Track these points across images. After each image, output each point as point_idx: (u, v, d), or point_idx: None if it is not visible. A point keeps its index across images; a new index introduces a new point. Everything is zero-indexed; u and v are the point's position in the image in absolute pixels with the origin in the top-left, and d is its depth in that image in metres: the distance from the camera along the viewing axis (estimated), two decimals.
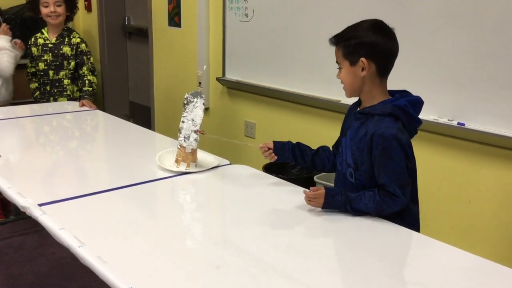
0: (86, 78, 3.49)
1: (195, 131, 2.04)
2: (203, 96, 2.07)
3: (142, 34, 4.50)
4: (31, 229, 3.38)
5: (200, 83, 3.65)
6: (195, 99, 2.06)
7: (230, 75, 3.44)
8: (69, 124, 2.97)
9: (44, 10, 3.49)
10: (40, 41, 3.54)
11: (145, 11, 4.25)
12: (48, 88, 3.56)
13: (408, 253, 1.53)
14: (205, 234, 1.63)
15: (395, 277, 1.36)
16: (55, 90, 3.56)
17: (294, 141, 1.99)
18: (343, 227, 1.64)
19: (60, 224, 1.54)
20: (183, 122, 2.06)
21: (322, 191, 1.68)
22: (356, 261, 1.44)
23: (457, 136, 2.31)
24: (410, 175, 1.70)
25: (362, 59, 1.66)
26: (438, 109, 2.32)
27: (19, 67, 3.75)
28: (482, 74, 2.16)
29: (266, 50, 3.12)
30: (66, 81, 3.55)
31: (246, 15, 3.20)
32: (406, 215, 1.72)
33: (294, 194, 1.85)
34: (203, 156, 2.17)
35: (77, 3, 3.70)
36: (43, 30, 3.59)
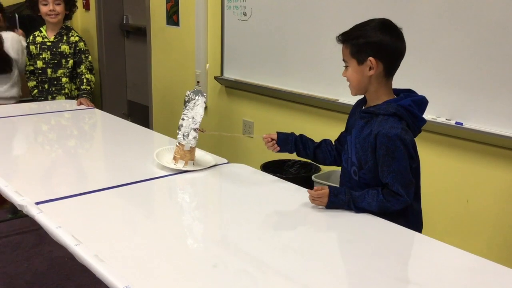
0: (84, 77, 3.49)
1: (195, 129, 2.04)
2: (204, 94, 2.06)
3: (140, 33, 4.50)
4: (28, 228, 3.38)
5: (198, 82, 3.65)
6: (196, 97, 2.05)
7: (229, 74, 3.44)
8: (67, 122, 2.97)
9: (43, 9, 3.48)
10: (39, 39, 3.54)
11: (143, 10, 4.25)
12: (46, 86, 3.55)
13: (407, 252, 1.53)
14: (203, 233, 1.63)
15: (394, 277, 1.36)
16: (53, 89, 3.55)
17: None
18: (342, 226, 1.64)
19: (57, 222, 1.53)
20: (183, 119, 2.05)
21: (326, 190, 1.69)
22: (355, 260, 1.44)
23: (455, 136, 2.31)
24: (414, 175, 1.71)
25: (370, 58, 1.66)
26: (436, 108, 2.32)
27: None
28: (481, 73, 2.16)
29: (264, 49, 3.12)
30: (64, 80, 3.55)
31: (245, 14, 3.20)
32: (410, 213, 1.74)
33: (292, 193, 1.85)
34: (201, 154, 2.16)
35: (76, 1, 3.69)
36: (41, 28, 3.58)
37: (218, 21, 3.41)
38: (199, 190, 2.02)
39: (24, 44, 3.59)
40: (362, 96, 1.82)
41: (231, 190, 1.97)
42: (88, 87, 3.46)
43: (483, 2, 2.11)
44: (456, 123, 2.26)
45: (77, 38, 3.56)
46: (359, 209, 1.68)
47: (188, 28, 3.73)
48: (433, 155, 2.41)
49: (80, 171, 2.15)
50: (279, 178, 2.04)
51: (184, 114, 2.05)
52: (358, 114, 1.78)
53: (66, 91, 3.56)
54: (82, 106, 3.21)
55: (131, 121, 3.02)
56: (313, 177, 2.70)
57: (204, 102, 2.06)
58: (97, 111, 3.17)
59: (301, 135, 2.00)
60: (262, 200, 1.86)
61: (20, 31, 3.68)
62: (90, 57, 3.60)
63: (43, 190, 1.87)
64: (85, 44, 3.60)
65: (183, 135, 2.04)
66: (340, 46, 1.75)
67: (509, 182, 2.18)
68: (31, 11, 3.66)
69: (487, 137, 2.18)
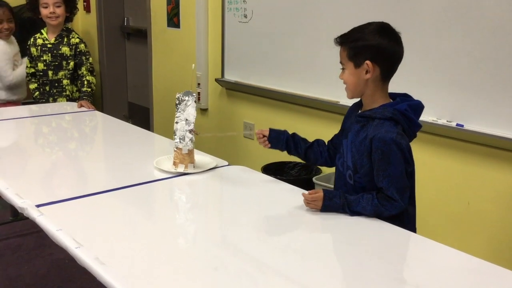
0: (85, 79, 3.49)
1: (190, 131, 2.03)
2: (194, 94, 2.04)
3: (141, 35, 4.50)
4: (29, 230, 3.38)
5: (199, 84, 3.65)
6: (187, 98, 2.03)
7: (229, 76, 3.44)
8: (68, 125, 2.97)
9: (43, 11, 3.49)
10: (39, 41, 3.54)
11: (144, 12, 4.25)
12: (47, 88, 3.56)
13: (406, 254, 1.53)
14: (204, 235, 1.62)
15: (394, 278, 1.36)
16: (55, 91, 3.55)
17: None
18: (341, 228, 1.64)
19: (58, 225, 1.53)
20: (176, 123, 2.04)
21: (321, 194, 1.68)
22: (355, 262, 1.44)
23: (456, 137, 2.31)
24: (409, 179, 1.69)
25: (367, 62, 1.66)
26: (437, 110, 2.32)
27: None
28: (481, 75, 2.16)
29: (265, 51, 3.12)
30: (65, 82, 3.55)
31: (245, 16, 3.20)
32: (405, 217, 1.73)
33: (293, 195, 1.85)
34: (201, 157, 2.16)
35: (77, 4, 3.70)
36: (42, 31, 3.58)
37: (219, 23, 3.41)
38: (199, 192, 2.02)
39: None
40: (358, 99, 1.81)
41: (232, 192, 1.97)
42: (89, 89, 3.46)
43: (484, 4, 2.11)
44: (457, 125, 2.26)
45: (77, 40, 3.56)
46: (353, 213, 1.67)
47: (189, 30, 3.73)
48: (434, 157, 2.41)
49: (81, 174, 2.15)
50: (280, 180, 2.04)
51: (177, 117, 2.04)
52: (354, 118, 1.77)
53: (68, 93, 3.56)
54: (83, 109, 3.21)
55: (131, 123, 3.02)
56: (314, 179, 2.70)
57: (195, 102, 2.04)
58: (97, 113, 3.18)
59: (293, 134, 1.99)
60: (262, 202, 1.86)
61: None
62: (90, 58, 3.60)
63: (43, 192, 1.87)
64: (85, 46, 3.60)
65: (180, 138, 2.03)
66: (339, 48, 1.75)
67: (510, 184, 2.18)
68: (32, 14, 3.66)
69: (488, 139, 2.18)
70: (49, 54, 3.51)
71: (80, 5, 4.58)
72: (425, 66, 2.33)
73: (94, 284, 1.34)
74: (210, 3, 3.50)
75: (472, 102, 2.20)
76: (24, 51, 3.73)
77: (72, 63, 3.54)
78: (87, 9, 4.94)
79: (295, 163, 2.96)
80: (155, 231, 1.61)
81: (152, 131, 4.01)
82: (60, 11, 3.50)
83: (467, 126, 2.23)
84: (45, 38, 3.54)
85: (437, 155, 2.40)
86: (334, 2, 2.67)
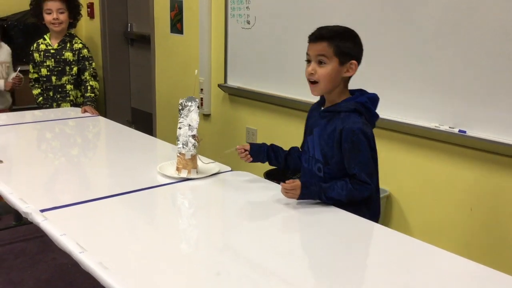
0: (88, 84, 3.50)
1: (193, 136, 2.04)
2: (197, 100, 2.06)
3: (144, 41, 4.52)
4: (32, 235, 3.38)
5: (202, 89, 3.66)
6: (189, 103, 2.05)
7: (232, 82, 3.45)
8: (71, 130, 2.98)
9: (47, 17, 3.50)
10: (42, 47, 3.55)
11: (147, 18, 4.27)
12: (51, 93, 3.57)
13: (409, 260, 1.53)
14: (206, 241, 1.63)
15: (396, 285, 1.36)
16: (58, 96, 3.56)
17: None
18: (345, 233, 1.64)
19: (62, 230, 1.54)
20: (179, 128, 2.05)
21: (298, 182, 1.77)
22: (360, 268, 1.44)
23: (458, 144, 2.31)
24: (374, 164, 1.82)
25: (354, 61, 1.78)
26: (439, 116, 2.32)
27: (21, 73, 3.77)
28: (484, 82, 2.16)
29: (268, 57, 3.13)
30: (69, 87, 3.56)
31: (248, 22, 3.21)
32: (373, 202, 1.86)
33: (295, 200, 1.85)
34: (204, 162, 2.17)
35: (80, 10, 3.71)
36: (45, 36, 3.60)
37: (222, 29, 3.42)
38: (202, 197, 2.03)
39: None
40: (318, 99, 1.95)
41: (234, 198, 1.97)
42: (92, 95, 3.47)
43: (486, 10, 2.12)
44: (460, 131, 2.26)
45: (80, 45, 3.57)
46: (329, 199, 1.77)
47: (192, 36, 3.74)
48: (436, 163, 2.41)
49: (84, 179, 2.16)
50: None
51: (180, 122, 2.05)
52: (319, 114, 1.88)
53: (71, 98, 3.58)
54: (87, 114, 3.22)
55: (134, 129, 3.02)
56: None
57: (198, 107, 2.06)
58: (101, 118, 3.19)
59: (272, 145, 2.08)
60: (265, 207, 1.86)
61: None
62: (94, 63, 3.61)
63: (47, 197, 1.87)
64: (88, 51, 3.61)
65: (183, 144, 2.04)
66: None
67: None
68: (35, 20, 3.68)
69: (490, 145, 2.18)
70: (52, 60, 3.53)
71: (84, 11, 4.59)
72: (428, 72, 2.34)
73: None
74: (213, 9, 3.51)
75: (475, 108, 2.21)
76: (27, 57, 3.74)
77: (75, 68, 3.55)
78: (91, 15, 4.96)
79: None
80: (158, 236, 1.62)
81: (155, 136, 4.02)
82: (63, 17, 3.52)
83: (470, 133, 2.23)
84: (48, 44, 3.56)
85: (439, 161, 2.40)
86: (336, 8, 2.68)
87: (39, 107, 3.62)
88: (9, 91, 3.64)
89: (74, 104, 3.57)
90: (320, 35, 1.80)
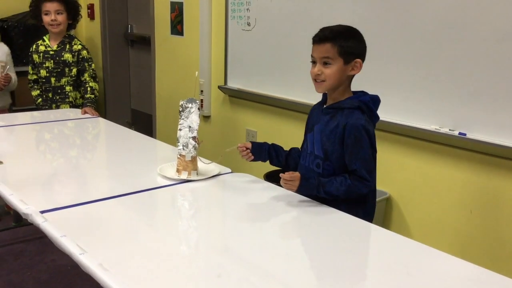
0: (88, 85, 3.50)
1: (193, 138, 2.04)
2: (197, 101, 2.06)
3: (145, 42, 4.52)
4: (32, 236, 3.38)
5: (202, 91, 3.66)
6: (190, 105, 2.05)
7: (232, 84, 3.45)
8: (71, 131, 2.97)
9: (45, 18, 3.50)
10: (42, 48, 3.55)
11: (147, 20, 4.27)
12: (50, 95, 3.57)
13: (409, 263, 1.53)
14: (206, 243, 1.63)
15: (397, 286, 1.36)
16: (57, 97, 3.56)
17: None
18: (345, 236, 1.64)
19: (62, 231, 1.54)
20: (180, 130, 2.05)
21: (298, 174, 1.79)
22: (361, 272, 1.44)
23: (458, 146, 2.32)
24: (374, 163, 1.84)
25: (358, 60, 1.81)
26: (440, 118, 2.32)
27: (21, 74, 3.77)
28: (484, 84, 2.17)
29: (268, 59, 3.13)
30: (68, 88, 3.56)
31: (249, 24, 3.21)
32: (368, 202, 1.88)
33: (296, 202, 1.85)
34: (204, 164, 2.17)
35: (80, 11, 3.70)
36: (44, 37, 3.60)
37: (222, 31, 3.42)
38: (202, 199, 2.03)
39: None
40: (319, 100, 1.98)
41: (235, 199, 1.97)
42: (92, 96, 3.47)
43: (486, 12, 2.12)
44: (460, 133, 2.26)
45: (80, 47, 3.57)
46: (327, 193, 1.79)
47: (192, 38, 3.75)
48: (436, 165, 2.41)
49: (84, 180, 2.15)
50: (282, 188, 2.04)
51: (180, 124, 2.05)
52: (321, 111, 1.91)
53: (71, 99, 3.57)
54: (86, 115, 3.22)
55: (134, 130, 3.02)
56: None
57: (198, 109, 2.06)
58: (101, 119, 3.19)
59: (273, 144, 2.09)
60: (265, 209, 1.86)
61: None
62: (93, 65, 3.61)
63: (47, 199, 1.87)
64: (88, 52, 3.61)
65: (183, 145, 2.04)
66: None
67: None
68: (35, 21, 3.68)
69: (490, 148, 2.18)
70: (52, 61, 3.52)
71: (84, 12, 4.60)
72: (428, 74, 2.34)
73: None
74: (213, 11, 3.51)
75: (475, 111, 2.21)
76: (27, 58, 3.74)
77: (74, 70, 3.55)
78: (91, 16, 4.96)
79: None
80: (158, 238, 1.61)
81: (155, 137, 4.02)
82: (61, 18, 3.51)
83: (470, 135, 2.23)
84: (47, 45, 3.56)
85: (439, 164, 2.40)
86: (336, 10, 2.68)
87: (38, 108, 3.61)
88: None
89: (73, 105, 3.57)
90: (323, 37, 1.82)
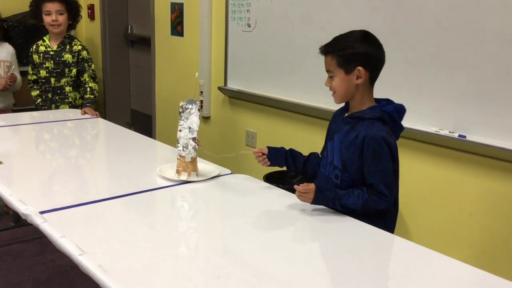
0: (87, 85, 3.50)
1: (193, 139, 2.04)
2: (197, 102, 2.06)
3: (145, 43, 4.52)
4: (31, 236, 3.38)
5: (201, 92, 3.66)
6: (190, 106, 2.05)
7: (232, 85, 3.45)
8: (70, 131, 2.97)
9: (46, 19, 3.50)
10: (42, 48, 3.55)
11: (148, 20, 4.27)
12: (50, 95, 3.56)
13: (409, 265, 1.53)
14: (206, 244, 1.63)
15: None
16: (57, 97, 3.56)
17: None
18: (345, 238, 1.64)
19: (61, 232, 1.54)
20: (180, 131, 2.05)
21: (313, 186, 1.75)
22: (360, 273, 1.44)
23: (458, 148, 2.32)
24: (395, 177, 1.79)
25: (359, 67, 1.75)
26: (439, 121, 2.32)
27: (21, 74, 3.77)
28: (484, 86, 2.17)
29: (268, 60, 3.13)
30: (67, 88, 3.56)
31: (249, 25, 3.21)
32: (387, 217, 1.82)
33: (295, 204, 1.85)
34: (204, 165, 2.17)
35: (80, 12, 3.70)
36: (44, 38, 3.60)
37: (222, 32, 3.42)
38: (202, 200, 2.02)
39: None
40: (343, 104, 1.91)
41: (234, 201, 1.97)
42: (92, 96, 3.47)
43: (488, 15, 2.12)
44: (460, 136, 2.26)
45: (80, 47, 3.57)
46: (343, 207, 1.73)
47: (192, 39, 3.75)
48: (436, 167, 2.41)
49: (84, 181, 2.15)
50: (282, 189, 2.05)
51: (180, 125, 2.05)
52: (342, 120, 1.86)
53: (70, 100, 3.57)
54: (86, 115, 3.22)
55: (134, 130, 3.02)
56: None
57: (199, 110, 2.06)
58: (100, 120, 3.18)
59: (291, 150, 2.06)
60: (265, 210, 1.86)
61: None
62: (93, 65, 3.61)
63: (47, 199, 1.87)
64: (88, 53, 3.61)
65: (183, 146, 2.04)
66: None
67: None
68: (35, 21, 3.68)
69: (490, 150, 2.18)
70: (52, 61, 3.52)
71: (84, 12, 4.60)
72: (428, 76, 2.34)
73: None
74: (214, 12, 3.51)
75: (475, 113, 2.21)
76: (27, 58, 3.74)
77: (74, 70, 3.55)
78: (91, 16, 4.96)
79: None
80: (157, 239, 1.61)
81: (155, 138, 4.02)
82: (62, 19, 3.51)
83: (470, 137, 2.23)
84: (47, 45, 3.55)
85: (439, 166, 2.40)
86: (337, 12, 2.68)
87: (38, 108, 3.61)
88: (2, 90, 3.59)
89: (73, 106, 3.57)
90: (323, 51, 1.81)
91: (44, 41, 3.58)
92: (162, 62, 4.18)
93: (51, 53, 3.53)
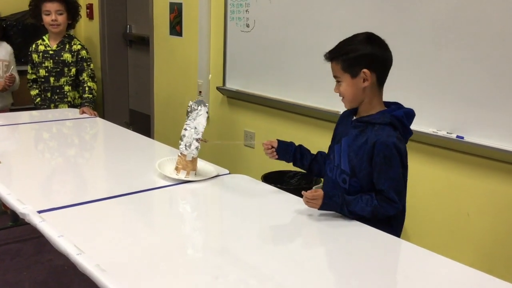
0: (86, 85, 3.50)
1: (197, 140, 2.05)
2: (206, 104, 2.08)
3: (143, 43, 4.52)
4: (28, 236, 3.37)
5: (200, 92, 3.66)
6: (199, 107, 2.06)
7: (231, 85, 3.45)
8: (69, 131, 2.97)
9: (46, 18, 3.50)
10: (41, 47, 3.55)
11: (146, 20, 4.27)
12: (49, 94, 3.56)
13: (408, 266, 1.53)
14: (204, 244, 1.63)
15: None
16: (56, 97, 3.56)
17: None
18: (343, 238, 1.64)
19: (59, 231, 1.54)
20: (185, 129, 2.06)
21: (321, 192, 1.73)
22: (355, 273, 1.44)
23: (456, 149, 2.32)
24: (404, 183, 1.76)
25: (365, 70, 1.72)
26: (437, 121, 2.32)
27: (19, 74, 3.76)
28: (482, 87, 2.17)
29: (266, 60, 3.14)
30: (67, 88, 3.56)
31: (247, 26, 3.22)
32: (396, 223, 1.80)
33: (293, 204, 1.85)
34: (202, 165, 2.17)
35: (79, 11, 3.70)
36: (44, 37, 3.60)
37: (221, 32, 3.42)
38: (200, 200, 2.03)
39: None
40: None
41: (232, 201, 1.97)
42: (90, 96, 3.47)
43: (485, 15, 2.13)
44: (457, 136, 2.26)
45: (79, 47, 3.57)
46: (352, 213, 1.72)
47: (191, 39, 3.75)
48: (434, 168, 2.42)
49: (82, 180, 2.15)
50: (280, 189, 2.05)
51: (186, 124, 2.07)
52: (351, 124, 1.82)
53: (69, 99, 3.57)
54: (85, 115, 3.22)
55: (132, 130, 3.02)
56: (314, 188, 2.70)
57: (207, 113, 2.07)
58: (99, 119, 3.18)
59: (300, 146, 2.03)
60: (262, 211, 1.86)
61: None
62: (92, 65, 3.61)
63: (45, 198, 1.87)
64: (87, 52, 3.61)
65: (185, 145, 2.05)
66: None
67: (510, 196, 2.18)
68: (34, 20, 3.68)
69: (488, 151, 2.18)
70: (51, 61, 3.52)
71: (83, 12, 4.59)
72: (426, 77, 2.34)
73: None
74: (212, 12, 3.52)
75: (473, 114, 2.21)
76: (26, 57, 3.74)
77: (73, 70, 3.55)
78: (90, 16, 4.96)
79: (295, 172, 2.97)
80: (156, 238, 1.61)
81: (153, 138, 4.01)
82: (62, 18, 3.51)
83: (467, 138, 2.23)
84: (47, 45, 3.55)
85: (437, 167, 2.41)
86: (336, 12, 2.69)
87: (37, 108, 3.61)
88: (1, 91, 3.57)
89: (72, 105, 3.57)
90: (328, 57, 1.80)
91: (43, 40, 3.58)
92: (160, 62, 4.18)
93: (51, 52, 3.53)
